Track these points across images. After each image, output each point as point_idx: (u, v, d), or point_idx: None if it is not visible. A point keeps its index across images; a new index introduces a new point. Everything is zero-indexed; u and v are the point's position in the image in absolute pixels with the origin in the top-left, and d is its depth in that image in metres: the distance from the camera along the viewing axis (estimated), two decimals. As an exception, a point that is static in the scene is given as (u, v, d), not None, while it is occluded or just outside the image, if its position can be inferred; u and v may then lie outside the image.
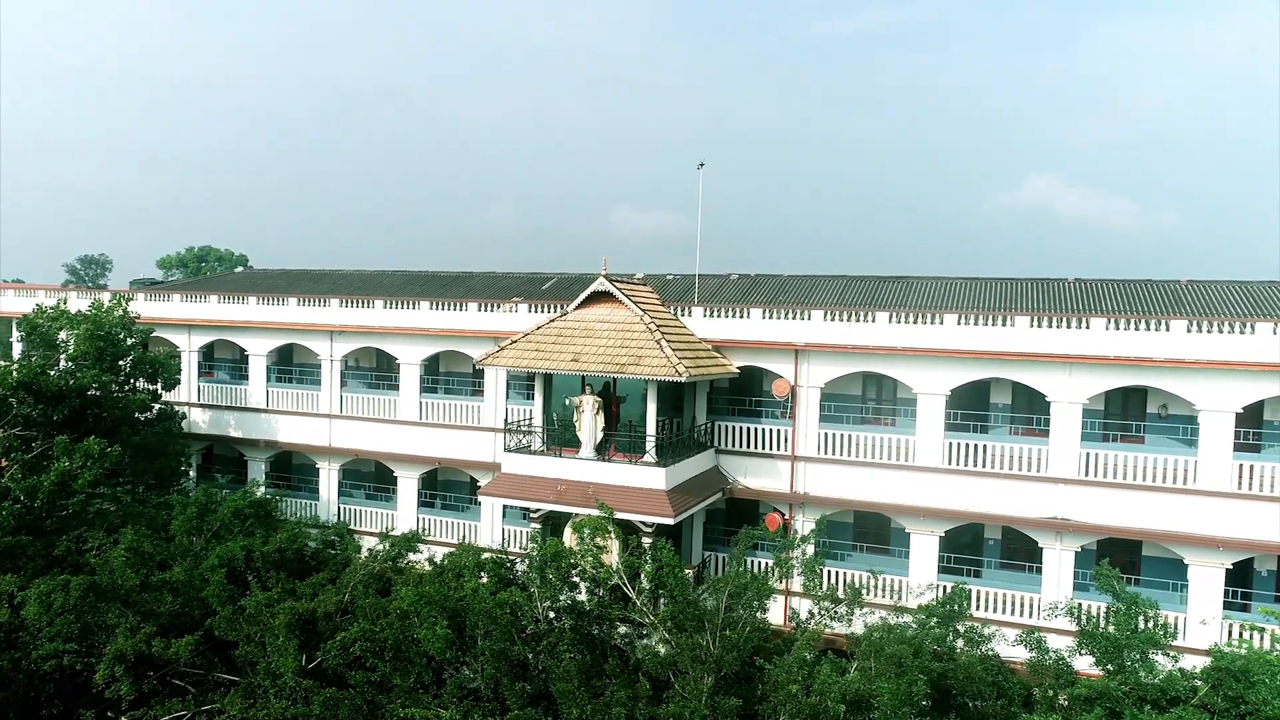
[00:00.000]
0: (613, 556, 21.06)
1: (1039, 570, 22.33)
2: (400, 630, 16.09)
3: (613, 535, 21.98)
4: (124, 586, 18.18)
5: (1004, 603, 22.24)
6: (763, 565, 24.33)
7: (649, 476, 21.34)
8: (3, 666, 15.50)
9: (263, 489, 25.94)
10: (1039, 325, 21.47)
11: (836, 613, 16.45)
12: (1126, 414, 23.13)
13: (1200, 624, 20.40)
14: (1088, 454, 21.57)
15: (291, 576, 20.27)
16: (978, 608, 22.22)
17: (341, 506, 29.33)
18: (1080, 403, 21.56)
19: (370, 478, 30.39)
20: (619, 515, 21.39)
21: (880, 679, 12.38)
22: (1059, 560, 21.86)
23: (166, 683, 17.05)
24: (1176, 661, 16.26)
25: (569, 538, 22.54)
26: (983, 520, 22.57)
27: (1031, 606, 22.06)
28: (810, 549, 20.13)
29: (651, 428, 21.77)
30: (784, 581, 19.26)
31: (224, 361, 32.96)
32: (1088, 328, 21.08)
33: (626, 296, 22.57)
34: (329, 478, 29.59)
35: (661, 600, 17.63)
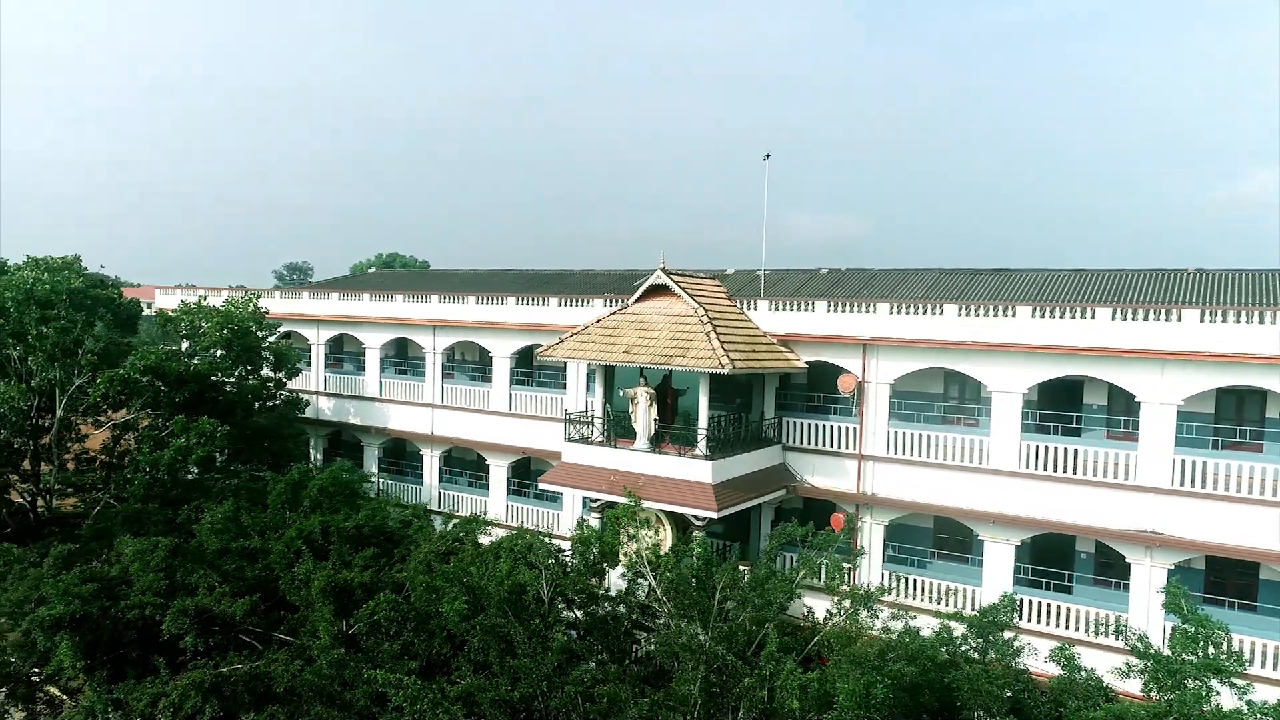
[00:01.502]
0: (665, 547, 21.20)
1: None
2: (426, 603, 16.97)
3: (665, 526, 22.18)
4: (207, 550, 20.24)
5: (1086, 621, 20.37)
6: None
7: (696, 469, 21.25)
8: (93, 613, 17.75)
9: (363, 470, 27.83)
10: (1122, 318, 19.53)
11: (855, 613, 15.75)
12: (1243, 417, 20.61)
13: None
14: (1183, 461, 19.40)
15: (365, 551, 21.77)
16: (1059, 625, 20.51)
17: (442, 492, 31.05)
18: (1174, 403, 19.42)
19: (470, 466, 31.94)
20: (666, 507, 21.48)
21: (843, 679, 11.81)
22: (1149, 578, 19.78)
23: (234, 639, 18.87)
24: (1244, 694, 14.43)
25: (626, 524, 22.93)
26: (1061, 530, 20.78)
27: (1119, 627, 20.07)
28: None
29: (703, 420, 21.64)
30: (841, 579, 18.58)
31: (350, 354, 35.69)
32: (1179, 320, 18.97)
33: (683, 290, 22.56)
34: (431, 464, 31.39)
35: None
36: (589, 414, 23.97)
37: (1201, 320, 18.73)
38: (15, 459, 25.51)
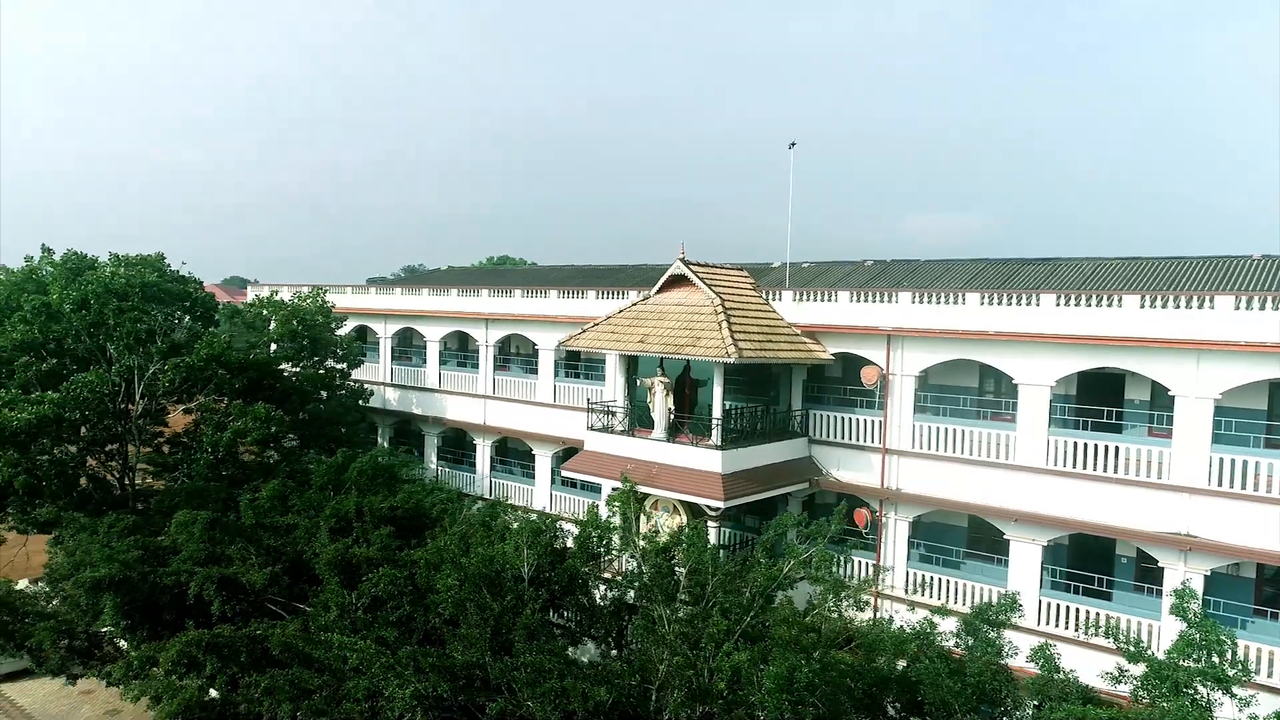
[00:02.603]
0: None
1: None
2: (426, 579, 17.71)
3: (681, 515, 22.28)
4: (245, 524, 21.70)
5: (1111, 627, 19.20)
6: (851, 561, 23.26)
7: (707, 459, 21.25)
8: (133, 577, 19.39)
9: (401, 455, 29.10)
10: (1151, 305, 18.34)
11: (823, 602, 15.46)
12: (1300, 415, 18.99)
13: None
14: (1220, 459, 18.06)
15: (400, 532, 22.81)
16: (1094, 634, 19.35)
17: (493, 480, 32.04)
18: (1211, 397, 18.10)
19: (520, 455, 32.81)
20: (677, 495, 21.58)
21: (773, 662, 11.65)
22: (1183, 585, 18.44)
23: (261, 606, 20.16)
24: (1246, 705, 13.42)
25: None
26: (1090, 531, 19.68)
27: (1152, 635, 18.89)
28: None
29: (717, 411, 21.61)
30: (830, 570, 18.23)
31: (418, 348, 37.24)
32: (1212, 307, 17.67)
33: (702, 280, 22.58)
34: (484, 453, 32.43)
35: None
36: (612, 404, 24.29)
37: (1236, 308, 17.40)
38: (105, 440, 27.94)
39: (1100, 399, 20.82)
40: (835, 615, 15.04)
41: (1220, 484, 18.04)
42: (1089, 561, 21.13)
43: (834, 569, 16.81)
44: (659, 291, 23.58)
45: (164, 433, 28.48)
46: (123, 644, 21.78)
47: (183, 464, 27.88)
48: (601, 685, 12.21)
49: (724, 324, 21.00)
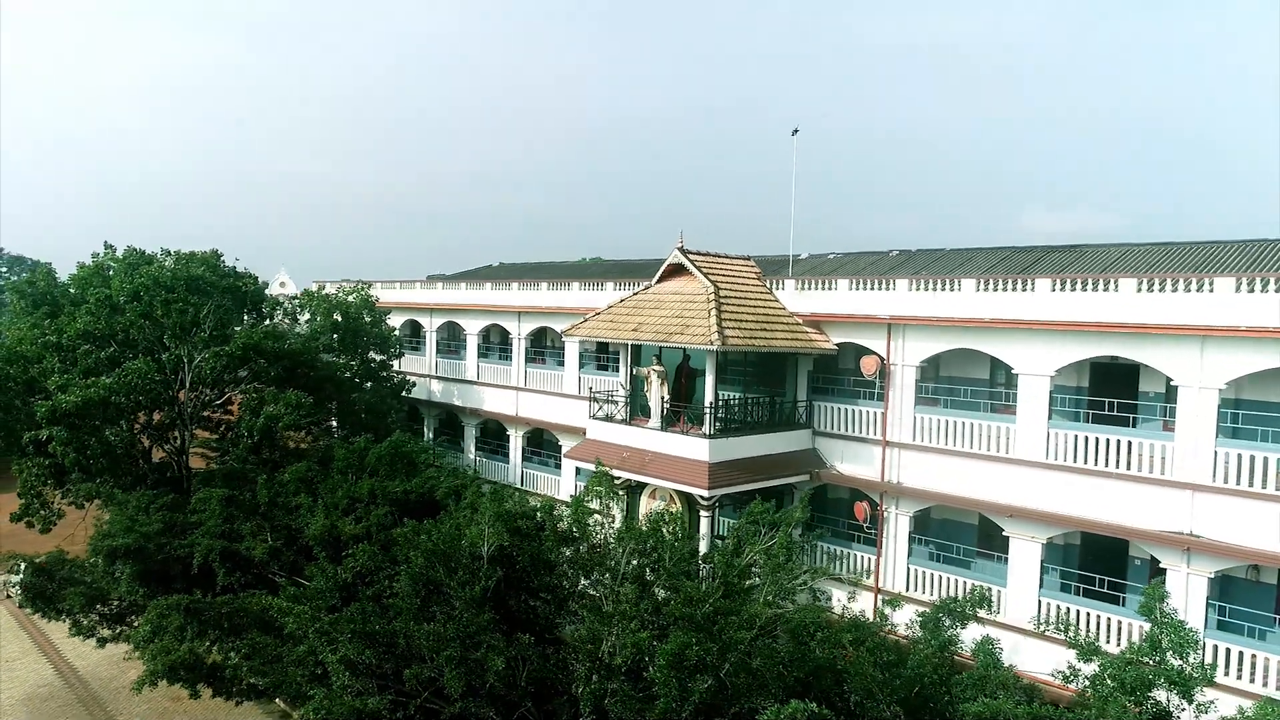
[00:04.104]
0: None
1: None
2: (405, 556, 18.33)
3: (676, 503, 22.27)
4: (260, 502, 22.90)
5: (1108, 629, 18.17)
6: (854, 556, 22.81)
7: (695, 448, 21.16)
8: (149, 548, 20.79)
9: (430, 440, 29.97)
10: (1149, 288, 17.25)
11: (770, 589, 15.21)
12: (1326, 409, 17.48)
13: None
14: (1226, 454, 16.83)
15: (412, 514, 23.63)
16: (1106, 639, 18.27)
17: (524, 470, 32.67)
18: (1216, 387, 16.88)
19: (550, 446, 33.30)
20: (665, 484, 21.57)
21: (670, 640, 11.55)
22: (1186, 587, 17.31)
23: (264, 579, 21.26)
24: (1204, 711, 12.56)
25: (645, 502, 23.28)
26: (1088, 528, 18.65)
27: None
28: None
29: (708, 400, 21.48)
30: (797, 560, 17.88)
31: (461, 342, 38.29)
32: (1210, 290, 16.49)
33: (699, 269, 22.49)
34: (516, 444, 33.10)
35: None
36: (614, 393, 24.45)
37: (1237, 290, 16.19)
38: (161, 425, 29.93)
39: (1113, 391, 19.70)
40: (771, 600, 14.77)
41: (1226, 480, 16.81)
42: (1101, 563, 20.02)
43: (795, 558, 16.52)
44: (659, 281, 23.62)
45: (211, 418, 30.26)
46: (149, 611, 23.33)
47: (227, 447, 29.58)
48: (500, 656, 12.42)
49: (713, 312, 20.87)
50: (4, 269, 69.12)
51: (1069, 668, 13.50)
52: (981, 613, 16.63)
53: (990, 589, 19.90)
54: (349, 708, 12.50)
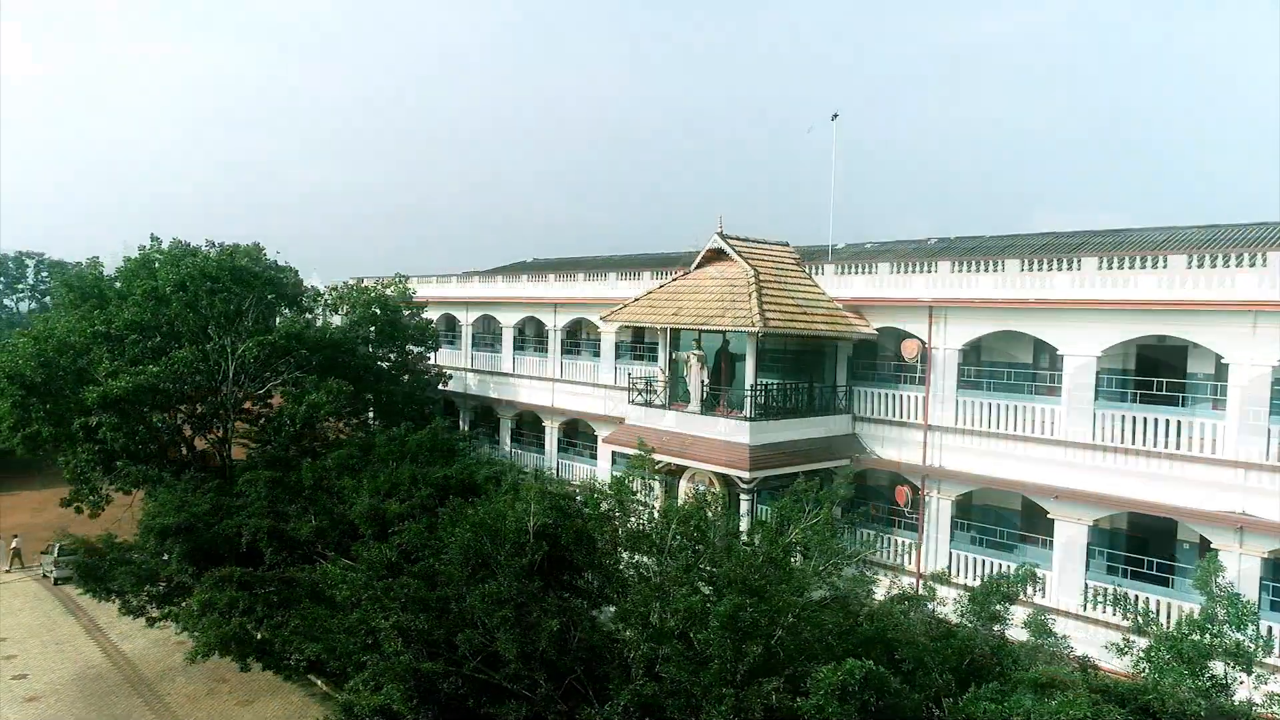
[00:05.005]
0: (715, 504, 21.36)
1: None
2: (450, 533, 18.55)
3: (716, 486, 22.31)
4: (305, 485, 23.25)
5: (1155, 612, 17.92)
6: (894, 541, 22.69)
7: (736, 431, 21.20)
8: (198, 527, 21.20)
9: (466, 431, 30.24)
10: (1199, 265, 17.06)
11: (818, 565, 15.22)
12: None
13: None
14: (1280, 432, 16.60)
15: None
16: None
17: (560, 461, 32.83)
18: (1269, 364, 16.66)
19: (585, 437, 33.45)
20: (706, 466, 21.61)
21: (723, 602, 11.62)
22: (1238, 567, 17.05)
23: (309, 557, 21.58)
24: (1263, 682, 12.39)
25: (684, 486, 23.34)
26: (1136, 509, 18.45)
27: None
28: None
29: (748, 384, 21.51)
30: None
31: (496, 335, 38.58)
32: (1264, 264, 16.28)
33: (740, 254, 22.57)
34: (551, 435, 33.28)
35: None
36: (652, 379, 24.55)
37: (1290, 264, 15.98)
38: (206, 414, 30.46)
39: (1159, 374, 19.48)
40: (820, 575, 14.78)
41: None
42: (1149, 546, 19.78)
43: (838, 537, 16.51)
44: (698, 267, 23.71)
45: (251, 411, 30.73)
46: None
47: (270, 435, 30.03)
48: (554, 619, 12.54)
49: (754, 295, 20.93)
50: (45, 274, 71.21)
51: (1123, 639, 13.36)
52: (1027, 595, 16.55)
53: (1036, 569, 19.79)
54: (405, 667, 12.66)
